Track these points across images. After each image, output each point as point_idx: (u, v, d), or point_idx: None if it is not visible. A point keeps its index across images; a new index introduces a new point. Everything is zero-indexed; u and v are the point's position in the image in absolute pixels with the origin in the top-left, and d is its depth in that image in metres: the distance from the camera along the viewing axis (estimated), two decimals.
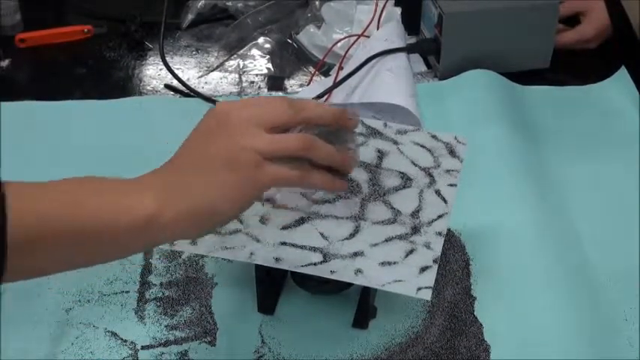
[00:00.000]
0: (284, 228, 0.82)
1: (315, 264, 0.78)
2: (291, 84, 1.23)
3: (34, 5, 1.37)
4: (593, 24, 1.26)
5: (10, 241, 0.63)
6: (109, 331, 0.87)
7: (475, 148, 0.95)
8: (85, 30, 1.32)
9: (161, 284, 0.91)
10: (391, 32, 1.21)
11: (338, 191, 0.78)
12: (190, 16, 1.34)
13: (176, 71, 1.23)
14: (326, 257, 0.79)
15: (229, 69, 1.26)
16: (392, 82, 1.14)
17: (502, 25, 1.19)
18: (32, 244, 0.65)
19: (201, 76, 1.24)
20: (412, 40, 1.26)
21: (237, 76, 1.25)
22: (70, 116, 1.15)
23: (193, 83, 1.22)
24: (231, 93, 1.21)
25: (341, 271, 0.78)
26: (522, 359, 0.83)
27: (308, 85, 1.21)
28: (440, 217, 0.84)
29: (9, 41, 1.29)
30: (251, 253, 0.79)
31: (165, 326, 0.87)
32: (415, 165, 0.89)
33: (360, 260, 0.79)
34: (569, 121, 1.14)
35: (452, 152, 0.91)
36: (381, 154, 0.90)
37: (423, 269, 0.78)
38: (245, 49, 1.28)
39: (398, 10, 1.26)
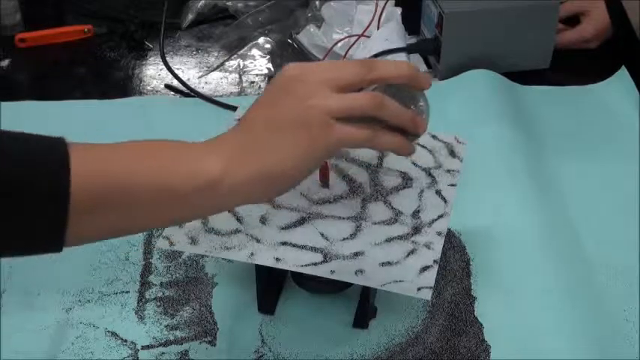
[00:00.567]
0: (284, 228, 0.82)
1: (315, 264, 0.78)
2: None
3: (34, 5, 1.37)
4: (593, 24, 1.26)
5: (75, 200, 0.63)
6: (109, 331, 0.87)
7: (475, 148, 0.95)
8: (85, 30, 1.32)
9: (161, 284, 0.91)
10: (391, 32, 1.21)
11: (407, 154, 0.75)
12: (190, 16, 1.34)
13: (176, 71, 1.23)
14: (326, 257, 0.79)
15: (229, 69, 1.26)
16: None
17: (502, 25, 1.19)
18: (95, 205, 0.65)
19: (201, 76, 1.25)
20: (412, 40, 1.26)
21: (237, 76, 1.25)
22: (70, 116, 1.15)
23: (193, 83, 1.22)
24: (231, 93, 1.21)
25: (341, 271, 0.78)
26: (522, 359, 0.83)
27: None
28: (440, 217, 0.84)
29: (9, 41, 1.29)
30: (251, 254, 0.79)
31: (166, 326, 0.87)
32: (415, 165, 0.89)
33: (361, 260, 0.79)
34: (569, 121, 1.14)
35: (452, 152, 0.91)
36: (382, 154, 0.90)
37: (424, 269, 0.78)
38: (245, 49, 1.28)
39: (398, 10, 1.26)
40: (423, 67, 1.25)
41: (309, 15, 1.32)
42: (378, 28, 1.24)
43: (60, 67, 1.27)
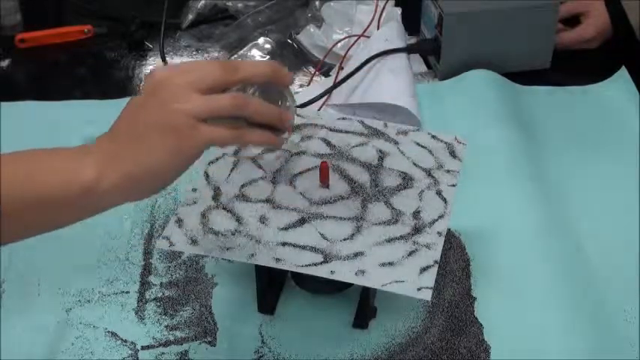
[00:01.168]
0: (284, 228, 0.82)
1: (315, 264, 0.78)
2: (292, 84, 1.23)
3: (34, 5, 1.37)
4: (593, 24, 1.26)
5: None
6: (109, 332, 0.87)
7: (475, 148, 0.95)
8: (85, 30, 1.32)
9: (161, 284, 0.91)
10: (391, 32, 1.21)
11: (275, 148, 0.79)
12: (190, 16, 1.34)
13: None
14: (326, 258, 0.79)
15: None
16: (392, 82, 1.14)
17: (502, 25, 1.19)
18: None
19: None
20: (412, 40, 1.26)
21: None
22: (70, 116, 1.15)
23: None
24: None
25: (341, 271, 0.78)
26: (522, 359, 0.83)
27: (308, 85, 1.21)
28: (440, 217, 0.84)
29: (9, 41, 1.29)
30: (251, 254, 0.79)
31: (166, 326, 0.87)
32: (416, 165, 0.89)
33: (361, 261, 0.79)
34: (570, 121, 1.14)
35: (452, 152, 0.91)
36: (382, 154, 0.90)
37: (424, 269, 0.78)
38: (245, 49, 1.28)
39: (398, 11, 1.26)
40: (423, 68, 1.25)
41: (309, 15, 1.32)
42: (378, 28, 1.24)
43: (60, 67, 1.27)
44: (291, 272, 0.87)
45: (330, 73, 1.22)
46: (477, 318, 0.87)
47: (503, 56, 1.20)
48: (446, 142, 0.92)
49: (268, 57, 1.27)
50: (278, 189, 0.86)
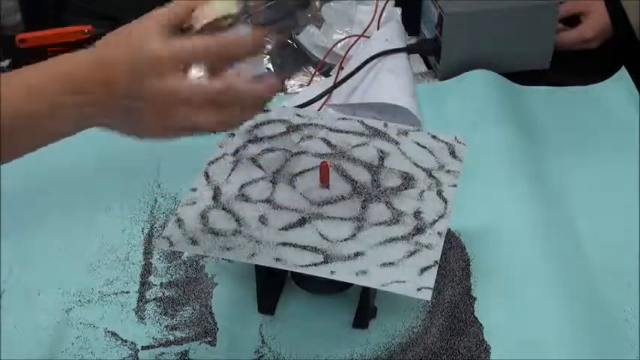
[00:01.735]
0: (284, 229, 0.82)
1: (315, 264, 0.78)
2: (292, 84, 1.23)
3: (34, 5, 1.37)
4: (593, 24, 1.26)
5: None
6: (109, 332, 0.87)
7: (475, 148, 0.95)
8: (85, 30, 1.32)
9: (161, 284, 0.91)
10: (391, 32, 1.21)
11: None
12: None
13: None
14: (327, 258, 0.79)
15: None
16: (392, 82, 1.14)
17: (502, 25, 1.19)
18: None
19: (201, 77, 1.24)
20: (412, 40, 1.26)
21: None
22: None
23: None
24: None
25: (341, 271, 0.78)
26: (522, 359, 0.83)
27: (308, 85, 1.21)
28: (441, 217, 0.84)
29: (9, 41, 1.29)
30: (251, 254, 0.79)
31: (166, 326, 0.87)
32: (416, 165, 0.89)
33: (361, 261, 0.79)
34: (570, 122, 1.14)
35: (452, 153, 0.91)
36: (383, 155, 0.90)
37: (424, 270, 0.78)
38: None
39: (398, 11, 1.26)
40: (423, 68, 1.25)
41: (309, 15, 1.32)
42: (378, 29, 1.24)
43: None
44: (291, 272, 0.87)
45: (330, 73, 1.22)
46: (476, 318, 0.87)
47: (503, 56, 1.20)
48: (446, 142, 0.92)
49: (268, 57, 1.27)
50: (278, 189, 0.86)
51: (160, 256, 0.95)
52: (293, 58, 1.28)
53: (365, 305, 0.86)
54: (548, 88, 1.20)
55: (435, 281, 0.77)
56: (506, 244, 0.94)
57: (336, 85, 1.15)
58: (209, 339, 0.86)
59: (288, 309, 0.89)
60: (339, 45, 1.24)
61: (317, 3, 1.32)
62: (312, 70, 1.24)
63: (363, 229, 0.82)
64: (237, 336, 0.86)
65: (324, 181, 0.86)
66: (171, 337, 0.86)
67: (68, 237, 0.97)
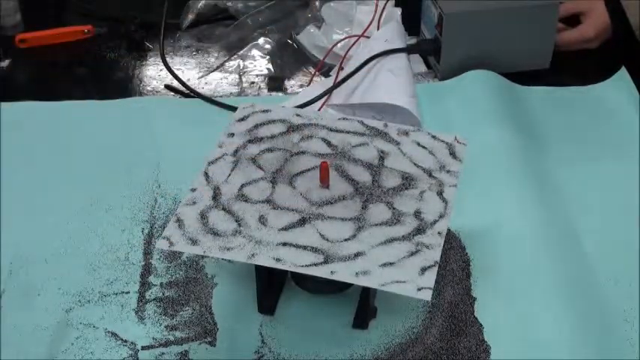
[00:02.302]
0: (284, 229, 0.82)
1: (315, 264, 0.78)
2: (292, 84, 1.23)
3: (34, 5, 1.37)
4: (593, 24, 1.26)
5: None
6: (109, 332, 0.87)
7: (475, 148, 0.95)
8: (85, 30, 1.32)
9: (161, 285, 0.91)
10: (391, 33, 1.21)
11: None
12: (190, 17, 1.34)
13: (176, 72, 1.23)
14: (327, 258, 0.79)
15: (229, 69, 1.26)
16: (392, 82, 1.14)
17: (502, 25, 1.19)
18: None
19: (201, 77, 1.25)
20: (412, 40, 1.26)
21: (237, 76, 1.25)
22: (70, 116, 1.15)
23: (193, 84, 1.22)
24: (231, 94, 1.21)
25: (342, 271, 0.78)
26: (522, 359, 0.83)
27: (308, 85, 1.21)
28: (441, 217, 0.84)
29: (9, 41, 1.29)
30: (251, 254, 0.79)
31: (166, 326, 0.87)
32: (416, 165, 0.89)
33: (361, 261, 0.79)
34: (570, 122, 1.14)
35: (452, 153, 0.91)
36: (383, 155, 0.90)
37: (424, 270, 0.78)
38: (245, 49, 1.28)
39: (398, 11, 1.26)
40: (423, 68, 1.25)
41: (309, 15, 1.32)
42: (378, 29, 1.24)
43: (60, 67, 1.27)
44: (291, 272, 0.87)
45: (330, 73, 1.22)
46: (476, 318, 0.87)
47: (503, 56, 1.20)
48: (446, 143, 0.92)
49: (268, 57, 1.27)
50: (278, 189, 0.86)
51: (160, 256, 0.95)
52: (293, 58, 1.28)
53: (365, 305, 0.86)
54: (548, 88, 1.20)
55: (435, 281, 0.77)
56: (506, 244, 0.94)
57: (336, 85, 1.15)
58: (209, 339, 0.86)
59: (288, 309, 0.89)
60: (339, 45, 1.24)
61: (317, 3, 1.32)
62: (312, 70, 1.24)
63: (364, 229, 0.82)
64: (237, 336, 0.86)
65: (324, 181, 0.86)
66: (171, 337, 0.86)
67: (68, 237, 0.97)
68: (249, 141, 0.92)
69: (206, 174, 0.88)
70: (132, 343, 0.86)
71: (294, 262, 0.79)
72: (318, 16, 1.31)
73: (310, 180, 0.87)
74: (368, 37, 1.23)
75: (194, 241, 0.81)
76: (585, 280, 0.91)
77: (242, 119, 0.95)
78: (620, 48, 1.25)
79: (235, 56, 1.28)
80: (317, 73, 1.23)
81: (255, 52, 1.28)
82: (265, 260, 0.79)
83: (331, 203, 0.85)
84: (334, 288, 0.86)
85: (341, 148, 0.91)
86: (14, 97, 1.18)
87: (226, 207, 0.84)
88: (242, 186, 0.87)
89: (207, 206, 0.84)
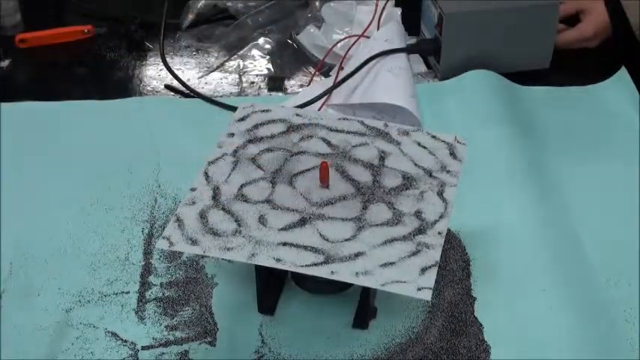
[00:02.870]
0: (284, 229, 0.82)
1: (315, 264, 0.78)
2: (292, 84, 1.23)
3: (34, 5, 1.37)
4: (593, 23, 1.26)
5: None
6: (109, 332, 0.87)
7: (475, 148, 0.95)
8: (85, 30, 1.32)
9: (161, 284, 0.91)
10: (391, 33, 1.21)
11: None
12: (190, 17, 1.34)
13: (176, 72, 1.23)
14: (327, 259, 0.79)
15: (229, 69, 1.26)
16: (392, 82, 1.14)
17: (502, 25, 1.19)
18: None
19: (201, 77, 1.25)
20: (412, 40, 1.26)
21: (237, 76, 1.25)
22: (70, 116, 1.15)
23: (193, 84, 1.22)
24: (231, 93, 1.21)
25: (342, 271, 0.78)
26: (522, 359, 0.83)
27: (308, 85, 1.21)
28: (441, 217, 0.84)
29: (9, 41, 1.29)
30: (251, 254, 0.79)
31: (166, 326, 0.87)
32: (417, 165, 0.89)
33: (361, 261, 0.79)
34: (569, 122, 1.14)
35: (452, 153, 0.91)
36: (384, 155, 0.90)
37: (424, 270, 0.78)
38: (245, 49, 1.28)
39: (398, 11, 1.26)
40: (423, 68, 1.25)
41: (309, 15, 1.32)
42: (378, 29, 1.24)
43: (60, 67, 1.27)
44: (291, 272, 0.87)
45: (330, 73, 1.22)
46: (476, 318, 0.87)
47: (503, 56, 1.20)
48: (446, 143, 0.92)
49: (268, 57, 1.27)
50: (278, 189, 0.86)
51: (160, 256, 0.95)
52: (293, 58, 1.28)
53: (365, 305, 0.86)
54: (548, 88, 1.20)
55: (435, 281, 0.77)
56: (507, 244, 0.94)
57: (336, 85, 1.15)
58: (209, 339, 0.86)
59: (288, 309, 0.89)
60: (339, 45, 1.24)
61: (317, 3, 1.32)
62: (312, 70, 1.24)
63: (364, 229, 0.82)
64: (237, 336, 0.86)
65: (324, 181, 0.86)
66: (171, 337, 0.86)
67: (68, 237, 0.97)
68: (249, 141, 0.92)
69: (206, 174, 0.88)
70: (132, 343, 0.86)
71: (295, 262, 0.79)
72: (318, 16, 1.31)
73: (310, 180, 0.87)
74: (368, 37, 1.23)
75: (194, 241, 0.81)
76: (585, 280, 0.91)
77: (242, 119, 0.95)
78: (620, 48, 1.25)
79: (235, 56, 1.28)
80: (317, 73, 1.23)
81: (255, 52, 1.28)
82: (265, 260, 0.79)
83: (331, 203, 0.85)
84: (334, 288, 0.86)
85: (341, 148, 0.91)
86: (14, 97, 1.18)
87: (226, 207, 0.84)
88: (242, 186, 0.87)
89: (207, 206, 0.84)
